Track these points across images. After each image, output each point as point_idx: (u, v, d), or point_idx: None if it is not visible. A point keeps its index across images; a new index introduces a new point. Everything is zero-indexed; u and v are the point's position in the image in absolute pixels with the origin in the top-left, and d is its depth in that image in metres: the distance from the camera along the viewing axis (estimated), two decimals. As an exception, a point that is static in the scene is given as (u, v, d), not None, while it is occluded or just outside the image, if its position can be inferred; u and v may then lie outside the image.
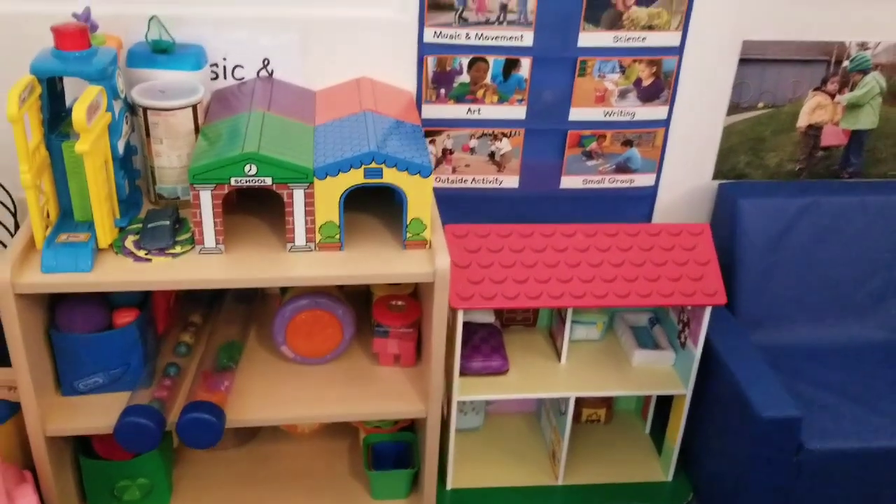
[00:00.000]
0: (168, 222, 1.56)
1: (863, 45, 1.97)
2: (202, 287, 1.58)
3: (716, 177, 2.10)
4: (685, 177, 2.09)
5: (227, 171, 1.46)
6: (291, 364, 1.78)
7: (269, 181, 1.48)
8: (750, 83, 1.98)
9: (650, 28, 1.88)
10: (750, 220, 1.98)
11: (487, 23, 1.84)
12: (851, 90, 2.02)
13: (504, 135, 1.97)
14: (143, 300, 1.65)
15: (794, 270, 2.03)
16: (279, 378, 1.74)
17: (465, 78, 1.90)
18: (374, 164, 1.49)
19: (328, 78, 1.86)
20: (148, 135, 1.59)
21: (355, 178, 1.50)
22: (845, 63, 1.99)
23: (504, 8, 1.83)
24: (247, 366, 1.77)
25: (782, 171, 2.11)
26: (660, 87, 1.96)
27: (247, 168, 1.46)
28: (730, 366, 1.82)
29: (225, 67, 1.80)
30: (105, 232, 1.49)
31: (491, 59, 1.88)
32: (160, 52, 1.68)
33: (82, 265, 1.45)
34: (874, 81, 2.01)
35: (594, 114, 1.97)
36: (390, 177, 1.51)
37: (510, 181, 2.03)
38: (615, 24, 1.86)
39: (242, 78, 1.82)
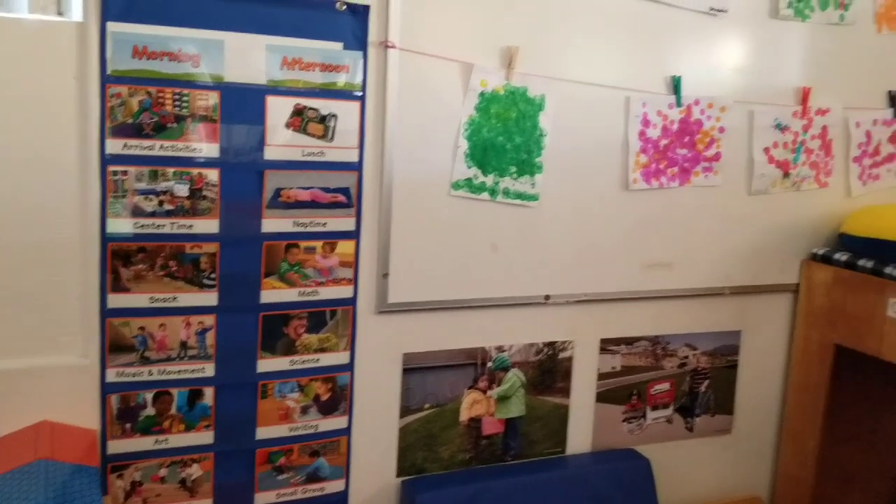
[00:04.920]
0: None
1: (500, 348, 2.37)
2: None
3: (399, 474, 2.30)
4: (372, 479, 2.27)
5: None
6: None
7: (-79, 553, 1.43)
8: (415, 388, 2.27)
9: (322, 350, 2.14)
10: (429, 513, 2.18)
11: (169, 359, 1.98)
12: (499, 385, 2.38)
13: (194, 460, 2.05)
14: None
15: (476, 553, 2.22)
16: None
17: (150, 411, 1.99)
18: (41, 519, 1.51)
19: (6, 425, 1.85)
20: None
21: (21, 535, 1.50)
22: (490, 364, 2.36)
23: (184, 345, 1.99)
24: None
25: (455, 462, 2.37)
26: (337, 400, 2.18)
27: None
28: None
29: None
30: None
31: (175, 391, 2.01)
32: None
33: None
34: (515, 377, 2.39)
35: (280, 431, 2.13)
36: (60, 529, 1.53)
37: (205, 506, 2.08)
38: (290, 350, 2.10)
39: None
